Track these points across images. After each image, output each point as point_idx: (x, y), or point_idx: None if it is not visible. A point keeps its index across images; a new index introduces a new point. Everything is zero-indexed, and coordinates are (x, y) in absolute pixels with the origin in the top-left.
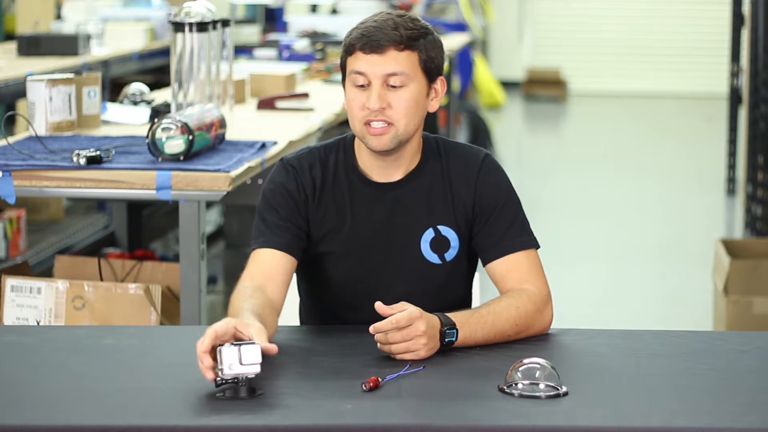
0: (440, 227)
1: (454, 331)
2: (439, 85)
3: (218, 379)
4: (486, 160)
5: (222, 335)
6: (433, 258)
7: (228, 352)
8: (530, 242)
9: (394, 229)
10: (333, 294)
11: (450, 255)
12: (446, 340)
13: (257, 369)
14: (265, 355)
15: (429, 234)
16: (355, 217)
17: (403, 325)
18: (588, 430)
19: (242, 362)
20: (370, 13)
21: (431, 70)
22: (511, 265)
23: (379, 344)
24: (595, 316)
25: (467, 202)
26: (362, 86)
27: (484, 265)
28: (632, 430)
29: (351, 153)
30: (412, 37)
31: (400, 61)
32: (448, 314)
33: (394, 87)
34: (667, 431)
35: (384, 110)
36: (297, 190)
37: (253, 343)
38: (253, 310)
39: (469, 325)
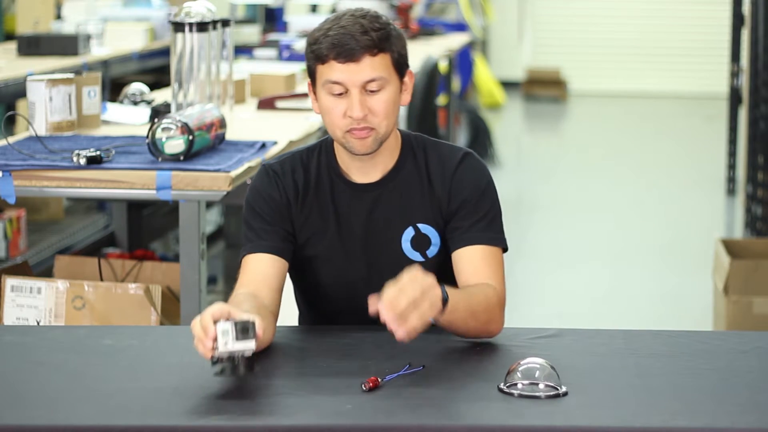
0: (420, 225)
1: (442, 286)
2: (408, 78)
3: (214, 356)
4: (466, 158)
5: (217, 318)
6: (415, 256)
7: (223, 329)
8: (497, 240)
9: (375, 230)
10: (323, 298)
11: (432, 252)
12: (444, 294)
13: (252, 346)
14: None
15: (409, 233)
16: (339, 219)
17: (406, 282)
18: (587, 430)
19: (238, 338)
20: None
21: (402, 66)
22: (473, 257)
23: (394, 322)
24: (595, 316)
25: (443, 198)
26: (339, 94)
27: (450, 253)
28: (632, 430)
29: (332, 155)
30: (382, 38)
31: (376, 66)
32: None
33: (372, 92)
34: (667, 431)
35: (365, 117)
36: (279, 195)
37: (249, 320)
38: (248, 312)
39: (453, 291)
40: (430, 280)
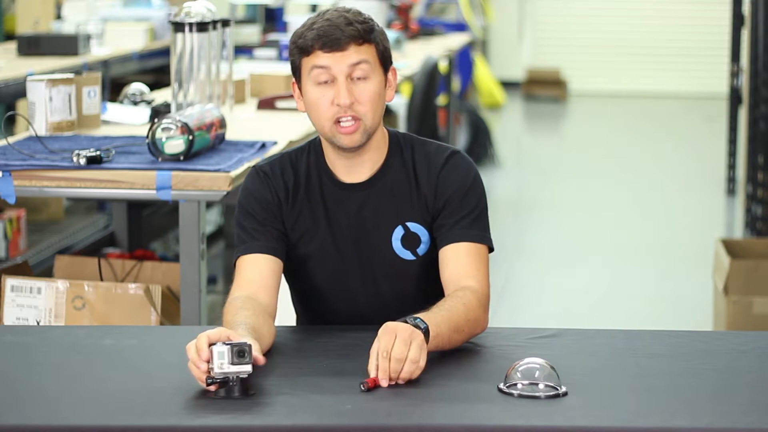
0: (409, 224)
1: (418, 319)
2: (391, 74)
3: (209, 378)
4: (452, 156)
5: (214, 341)
6: (405, 255)
7: (219, 351)
8: (482, 237)
9: (365, 229)
10: (318, 299)
11: (422, 250)
12: (421, 327)
13: (249, 369)
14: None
15: (399, 231)
16: (329, 218)
17: (387, 344)
18: (587, 430)
19: (233, 362)
20: (369, 12)
21: (386, 61)
22: (457, 255)
23: (383, 377)
24: (595, 316)
25: (429, 196)
26: (325, 83)
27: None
28: (632, 430)
29: (320, 155)
30: (367, 30)
31: (361, 54)
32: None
33: (358, 79)
34: (667, 431)
35: (352, 105)
36: (271, 195)
37: (246, 343)
38: (246, 324)
39: (429, 317)
40: (404, 327)
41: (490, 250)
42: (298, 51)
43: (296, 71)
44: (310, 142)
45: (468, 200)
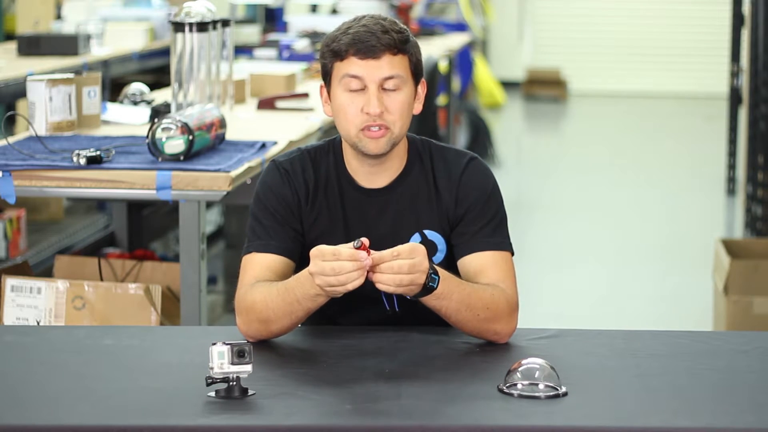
0: (427, 232)
1: (437, 278)
2: (421, 87)
3: (209, 378)
4: (471, 162)
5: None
6: None
7: (219, 351)
8: (504, 245)
9: (382, 235)
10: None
11: (438, 258)
12: (429, 284)
13: (249, 369)
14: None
15: (416, 239)
16: (347, 222)
17: (405, 256)
18: (587, 430)
19: (233, 362)
20: (369, 12)
21: (418, 73)
22: (483, 263)
23: (377, 275)
24: (595, 317)
25: (450, 204)
26: (355, 90)
27: (456, 260)
28: (632, 430)
29: (340, 157)
30: (402, 40)
31: (395, 65)
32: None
33: (388, 90)
34: (667, 431)
35: (381, 114)
36: (291, 194)
37: (246, 342)
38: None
39: (450, 281)
40: (421, 260)
41: (511, 254)
42: (331, 54)
43: (327, 75)
44: (330, 142)
45: (489, 207)
